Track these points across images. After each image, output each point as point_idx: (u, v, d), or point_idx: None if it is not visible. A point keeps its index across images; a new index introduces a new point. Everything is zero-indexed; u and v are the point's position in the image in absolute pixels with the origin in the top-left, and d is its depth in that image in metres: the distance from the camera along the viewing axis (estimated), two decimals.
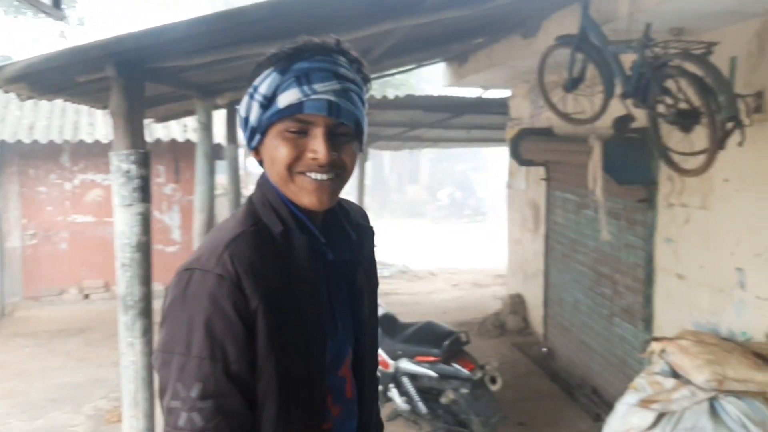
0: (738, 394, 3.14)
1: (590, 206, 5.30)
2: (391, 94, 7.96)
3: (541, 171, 6.57)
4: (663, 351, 3.56)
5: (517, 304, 7.31)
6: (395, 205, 26.38)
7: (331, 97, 1.18)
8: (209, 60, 3.09)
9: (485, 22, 4.92)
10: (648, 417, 3.24)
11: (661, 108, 3.33)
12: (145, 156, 2.89)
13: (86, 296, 9.28)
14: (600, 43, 3.65)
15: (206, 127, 5.34)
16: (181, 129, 8.97)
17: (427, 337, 4.31)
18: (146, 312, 2.99)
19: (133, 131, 2.86)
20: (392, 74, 7.42)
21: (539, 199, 6.75)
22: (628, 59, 3.50)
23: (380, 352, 4.51)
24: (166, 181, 9.37)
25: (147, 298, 2.99)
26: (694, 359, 3.24)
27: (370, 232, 1.50)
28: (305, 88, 1.17)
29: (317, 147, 1.19)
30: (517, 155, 6.35)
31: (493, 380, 4.18)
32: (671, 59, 3.17)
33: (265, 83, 1.21)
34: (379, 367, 4.57)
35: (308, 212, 1.28)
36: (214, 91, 5.46)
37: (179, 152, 9.18)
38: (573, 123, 4.26)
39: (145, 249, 2.97)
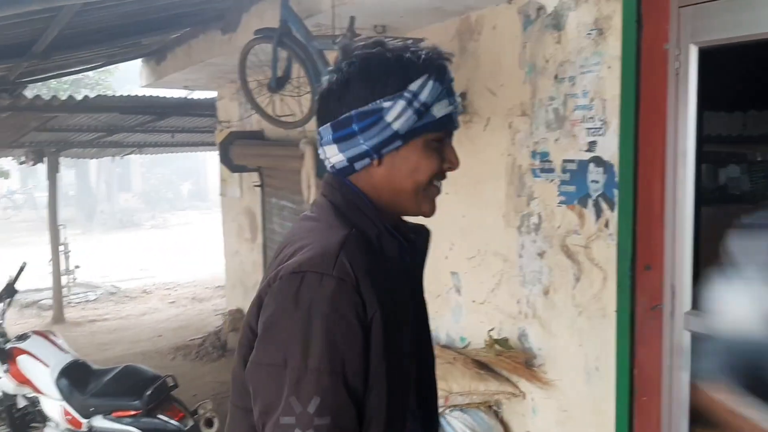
0: (463, 408, 3.03)
1: None
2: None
3: (255, 177, 6.16)
4: None
5: (237, 320, 6.79)
6: (105, 216, 24.23)
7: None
8: None
9: (177, 14, 4.35)
10: None
11: None
12: None
13: None
14: (303, 38, 3.31)
15: None
16: None
17: (126, 387, 3.62)
18: None
19: None
20: (77, 72, 6.45)
21: (255, 206, 6.33)
22: (335, 56, 3.22)
23: (70, 409, 3.72)
24: None
25: None
26: None
27: (428, 235, 1.39)
28: (452, 99, 1.19)
29: (454, 158, 1.23)
30: (227, 161, 5.89)
31: (210, 423, 3.65)
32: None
33: (425, 90, 1.16)
34: (70, 427, 3.77)
35: (395, 218, 1.30)
36: None
37: None
38: (282, 126, 3.89)
39: None
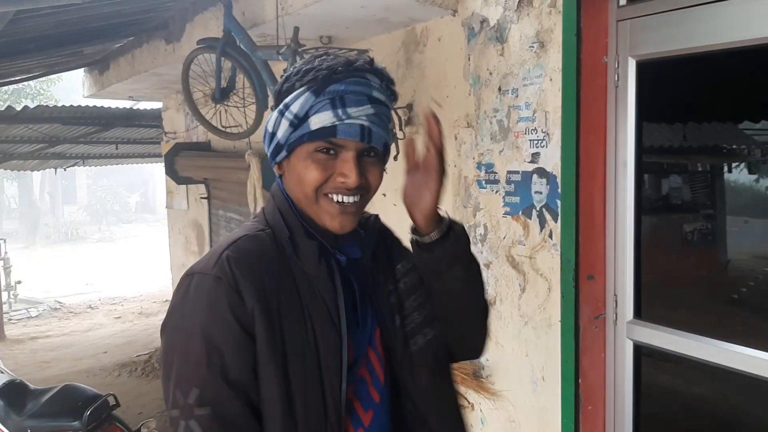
0: None
1: None
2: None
3: (202, 189, 6.06)
4: None
5: None
6: (49, 229, 23.57)
7: (365, 122, 1.18)
8: None
9: (119, 23, 4.25)
10: None
11: None
12: None
13: None
14: (247, 48, 3.27)
15: None
16: None
17: (65, 407, 3.49)
18: None
19: None
20: (16, 81, 6.25)
21: (202, 219, 6.23)
22: (281, 67, 3.18)
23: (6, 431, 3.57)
24: None
25: None
26: None
27: (374, 222, 1.41)
28: (339, 111, 1.16)
29: (347, 171, 1.19)
30: (173, 172, 5.78)
31: None
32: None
33: (297, 102, 1.18)
34: None
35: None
36: None
37: None
38: (227, 137, 3.84)
39: None
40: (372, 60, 1.24)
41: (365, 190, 1.23)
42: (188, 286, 1.17)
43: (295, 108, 1.19)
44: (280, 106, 1.22)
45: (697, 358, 2.18)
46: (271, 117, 1.25)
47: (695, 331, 2.21)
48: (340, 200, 1.21)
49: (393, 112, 1.32)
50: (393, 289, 1.37)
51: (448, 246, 1.30)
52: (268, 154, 1.29)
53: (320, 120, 1.17)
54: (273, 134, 1.24)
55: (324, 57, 1.23)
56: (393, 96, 1.28)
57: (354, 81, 1.18)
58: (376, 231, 1.40)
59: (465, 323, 1.41)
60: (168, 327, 1.19)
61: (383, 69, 1.25)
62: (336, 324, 1.23)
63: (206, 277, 1.15)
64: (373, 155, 1.23)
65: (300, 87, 1.19)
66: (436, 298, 1.36)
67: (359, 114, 1.17)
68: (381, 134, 1.21)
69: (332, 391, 1.20)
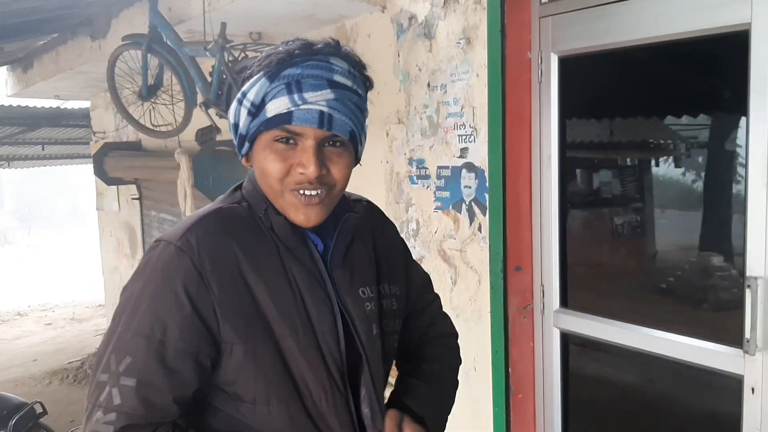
0: None
1: None
2: None
3: (133, 189, 5.92)
4: None
5: None
6: None
7: (323, 107, 1.10)
8: None
9: (41, 19, 4.11)
10: None
11: None
12: None
13: None
14: (174, 44, 3.21)
15: None
16: None
17: None
18: None
19: None
20: None
21: (134, 220, 6.08)
22: (209, 63, 3.13)
23: None
24: None
25: None
26: None
27: (379, 225, 1.39)
28: (295, 96, 1.09)
29: (305, 161, 1.12)
30: (102, 173, 5.63)
31: None
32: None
33: (253, 89, 1.12)
34: None
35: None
36: None
37: None
38: (155, 136, 3.76)
39: None
40: (338, 43, 1.16)
41: (330, 184, 1.16)
42: (152, 252, 1.13)
43: (251, 95, 1.12)
44: (239, 95, 1.16)
45: (621, 345, 2.25)
46: (231, 107, 1.19)
47: (624, 320, 2.28)
48: (304, 193, 1.14)
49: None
50: (374, 296, 1.28)
51: None
52: (236, 149, 1.22)
53: (276, 106, 1.10)
54: (235, 125, 1.18)
55: (290, 41, 1.15)
56: (364, 81, 1.18)
57: (312, 64, 1.11)
58: (351, 226, 1.28)
59: None
60: (124, 290, 1.14)
61: (350, 52, 1.17)
62: (323, 287, 1.18)
63: (169, 246, 1.10)
64: (338, 145, 1.15)
65: (257, 73, 1.12)
66: None
67: (317, 99, 1.09)
68: (344, 121, 1.12)
69: (332, 354, 1.16)
